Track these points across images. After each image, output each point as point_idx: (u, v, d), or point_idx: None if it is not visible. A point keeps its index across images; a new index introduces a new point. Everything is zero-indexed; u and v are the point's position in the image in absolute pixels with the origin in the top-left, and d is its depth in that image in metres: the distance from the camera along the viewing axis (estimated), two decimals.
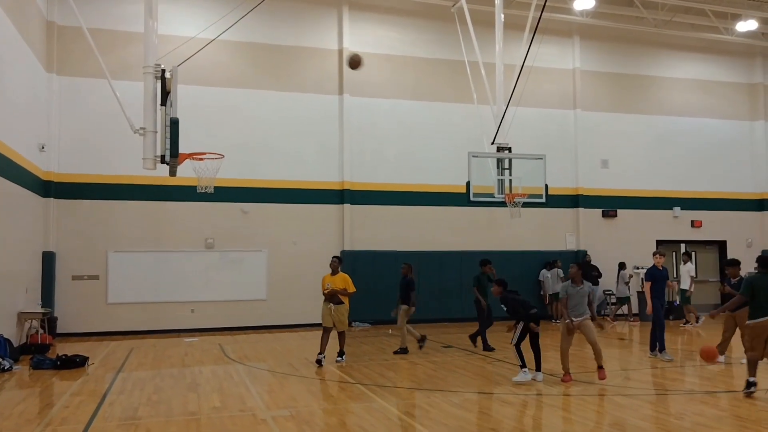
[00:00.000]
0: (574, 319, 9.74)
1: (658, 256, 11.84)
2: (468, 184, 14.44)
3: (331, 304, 11.20)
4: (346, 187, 17.77)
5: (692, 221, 21.00)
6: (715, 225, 21.11)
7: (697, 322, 17.17)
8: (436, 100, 18.67)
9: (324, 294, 11.31)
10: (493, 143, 14.91)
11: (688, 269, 16.92)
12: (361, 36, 18.25)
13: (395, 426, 7.22)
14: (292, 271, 17.15)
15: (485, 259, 13.74)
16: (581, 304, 9.75)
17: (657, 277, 11.68)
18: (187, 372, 10.87)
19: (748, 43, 21.37)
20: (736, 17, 20.11)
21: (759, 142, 21.95)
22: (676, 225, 20.83)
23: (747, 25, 20.17)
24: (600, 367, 9.61)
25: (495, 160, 14.92)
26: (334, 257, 11.74)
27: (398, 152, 18.25)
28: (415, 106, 18.53)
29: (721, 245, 21.34)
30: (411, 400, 8.59)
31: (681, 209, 20.82)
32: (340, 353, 11.48)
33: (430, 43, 18.78)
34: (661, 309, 11.71)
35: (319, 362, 11.08)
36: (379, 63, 18.39)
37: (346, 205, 17.73)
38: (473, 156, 14.67)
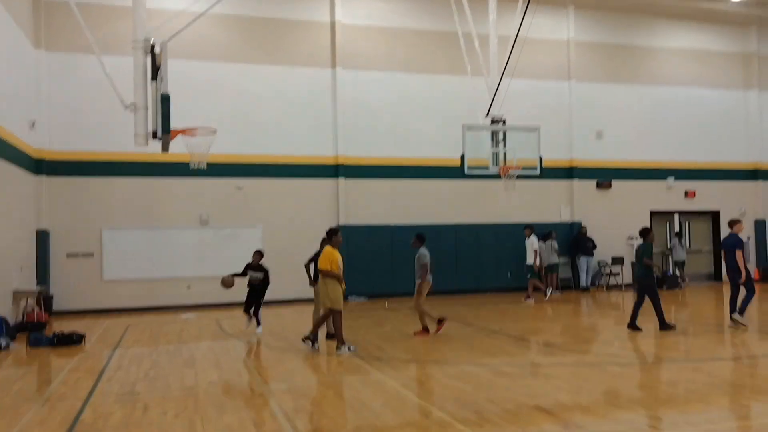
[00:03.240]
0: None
1: (739, 224, 11.80)
2: (462, 157, 14.41)
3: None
4: (340, 161, 17.70)
5: (686, 191, 21.03)
6: (708, 195, 21.17)
7: (545, 296, 16.95)
8: (430, 72, 18.52)
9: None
10: (487, 115, 14.85)
11: (531, 242, 16.46)
12: (353, 7, 18.03)
13: (392, 398, 7.28)
14: (287, 246, 17.12)
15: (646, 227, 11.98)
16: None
17: (742, 244, 11.71)
18: (184, 348, 10.91)
19: (743, 12, 21.21)
20: None
21: (752, 112, 21.91)
22: (670, 195, 20.87)
23: None
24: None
25: (489, 132, 14.88)
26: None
27: (392, 125, 18.16)
28: (409, 78, 18.39)
29: (715, 215, 21.40)
30: (407, 372, 8.66)
31: (675, 179, 20.83)
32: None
33: (423, 14, 18.57)
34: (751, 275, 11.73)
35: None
36: (371, 35, 18.21)
37: (341, 179, 17.69)
38: (467, 129, 14.62)
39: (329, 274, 9.69)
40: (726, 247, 11.63)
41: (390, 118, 18.15)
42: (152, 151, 11.22)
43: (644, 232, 11.62)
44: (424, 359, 9.25)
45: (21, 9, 14.27)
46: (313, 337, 10.14)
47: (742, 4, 20.75)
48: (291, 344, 10.86)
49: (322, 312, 10.35)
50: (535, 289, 16.89)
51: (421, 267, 11.25)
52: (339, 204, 17.67)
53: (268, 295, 16.94)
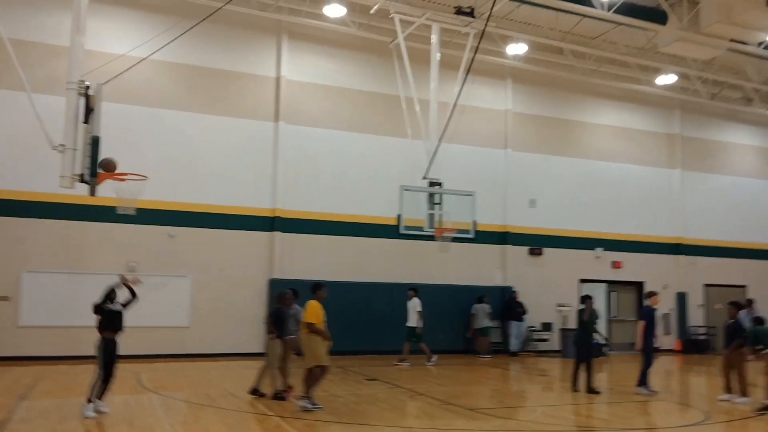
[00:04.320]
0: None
1: (654, 296, 12.44)
2: (399, 216, 14.58)
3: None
4: (277, 214, 17.60)
5: (613, 262, 21.76)
6: (634, 266, 21.95)
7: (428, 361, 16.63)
8: (372, 133, 18.84)
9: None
10: (425, 178, 15.16)
11: (414, 305, 16.53)
12: (299, 65, 18.30)
13: None
14: (217, 298, 16.75)
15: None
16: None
17: (652, 316, 12.18)
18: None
19: (667, 95, 22.61)
20: (658, 70, 21.28)
21: (675, 190, 23.09)
22: (598, 265, 21.55)
23: (666, 79, 21.40)
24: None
25: (426, 194, 15.16)
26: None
27: (331, 181, 18.26)
28: (351, 137, 18.64)
29: (640, 286, 22.15)
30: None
31: (603, 250, 21.56)
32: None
33: (367, 77, 19.01)
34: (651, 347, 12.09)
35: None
36: (316, 92, 18.48)
37: (277, 233, 17.54)
38: (405, 189, 14.87)
39: (316, 330, 9.39)
40: (638, 318, 12.43)
41: (330, 174, 18.26)
42: (80, 193, 10.87)
43: (586, 298, 12.59)
44: (347, 421, 9.05)
45: None
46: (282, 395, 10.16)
47: (666, 88, 22.12)
48: (212, 400, 10.47)
49: (303, 368, 9.64)
50: (412, 351, 16.49)
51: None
52: (274, 257, 17.47)
53: (196, 348, 16.50)
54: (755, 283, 23.46)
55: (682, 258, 22.87)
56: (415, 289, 16.75)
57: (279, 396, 10.46)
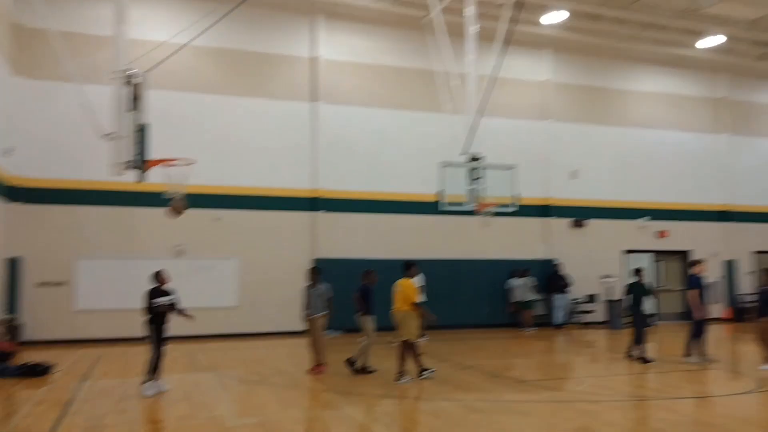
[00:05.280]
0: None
1: (699, 265, 12.57)
2: (439, 193, 14.55)
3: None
4: (318, 194, 17.78)
5: (658, 231, 21.37)
6: (680, 235, 21.52)
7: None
8: (409, 109, 18.80)
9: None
10: (464, 153, 15.06)
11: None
12: (335, 44, 18.32)
13: None
14: (263, 278, 17.08)
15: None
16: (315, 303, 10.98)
17: (699, 284, 12.23)
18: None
19: (714, 59, 21.91)
20: (700, 33, 20.60)
21: (722, 155, 22.47)
22: (643, 235, 21.20)
23: (710, 41, 20.70)
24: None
25: (466, 169, 15.07)
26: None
27: (370, 160, 18.32)
28: (388, 114, 18.64)
29: (686, 255, 21.69)
30: (380, 408, 8.61)
31: (648, 219, 21.19)
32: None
33: (403, 53, 18.92)
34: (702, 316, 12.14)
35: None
36: (352, 71, 18.48)
37: (319, 213, 17.73)
38: (444, 165, 14.81)
39: (416, 307, 10.18)
40: (686, 287, 12.30)
41: (369, 152, 18.32)
42: (129, 180, 11.19)
43: (637, 271, 12.82)
44: (398, 395, 9.21)
45: (0, 36, 14.27)
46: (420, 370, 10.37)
47: (710, 51, 21.43)
48: (264, 378, 10.75)
49: (398, 344, 10.42)
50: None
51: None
52: (316, 237, 17.68)
53: (245, 327, 16.90)
54: None
55: (730, 225, 22.32)
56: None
57: (366, 370, 10.88)
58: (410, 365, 10.28)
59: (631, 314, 12.55)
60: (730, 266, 22.18)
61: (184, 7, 16.66)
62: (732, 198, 22.37)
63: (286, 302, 16.88)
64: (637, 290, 12.50)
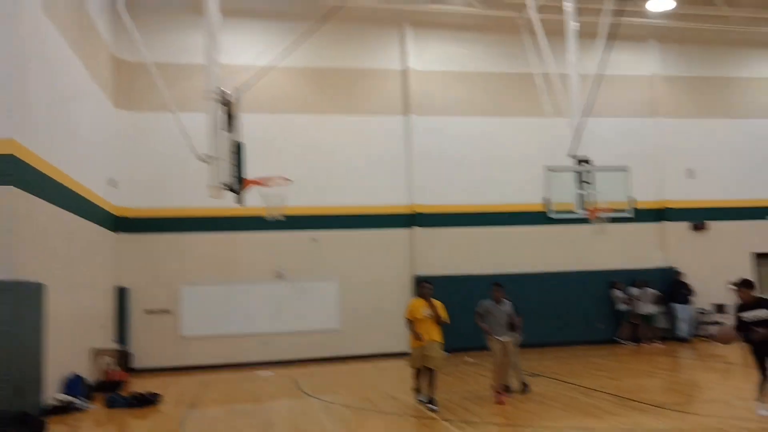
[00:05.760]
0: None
1: None
2: (546, 200, 13.62)
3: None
4: (415, 209, 17.19)
5: None
6: None
7: None
8: (506, 116, 17.91)
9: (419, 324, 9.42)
10: (570, 156, 14.07)
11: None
12: (425, 54, 17.79)
13: None
14: (364, 298, 16.63)
15: None
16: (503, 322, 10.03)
17: None
18: (260, 408, 10.42)
19: None
20: None
21: None
22: None
23: None
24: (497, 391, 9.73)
25: (574, 174, 14.07)
26: (425, 282, 10.08)
27: (468, 171, 17.54)
28: (484, 122, 17.84)
29: None
30: None
31: None
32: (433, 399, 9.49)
33: (497, 57, 18.12)
34: None
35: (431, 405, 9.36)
36: (444, 80, 17.87)
37: (416, 228, 17.13)
38: (550, 170, 13.89)
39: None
40: None
41: (467, 163, 17.56)
42: (227, 205, 11.00)
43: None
44: (519, 423, 8.35)
45: (101, 70, 14.67)
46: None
47: None
48: (374, 404, 10.17)
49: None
50: None
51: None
52: (415, 253, 17.07)
53: (347, 350, 16.48)
54: None
55: None
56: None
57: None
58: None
59: None
60: None
61: (273, 29, 16.63)
62: None
63: (387, 322, 16.35)
64: None
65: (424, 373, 9.56)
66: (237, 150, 8.65)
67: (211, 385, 13.09)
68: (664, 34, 18.97)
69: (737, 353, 15.40)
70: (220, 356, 15.77)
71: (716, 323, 17.97)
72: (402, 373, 13.88)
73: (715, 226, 18.70)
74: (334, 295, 16.60)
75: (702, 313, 18.12)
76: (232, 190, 8.84)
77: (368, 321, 16.56)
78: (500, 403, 9.48)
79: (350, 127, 17.22)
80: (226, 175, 8.84)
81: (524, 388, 10.49)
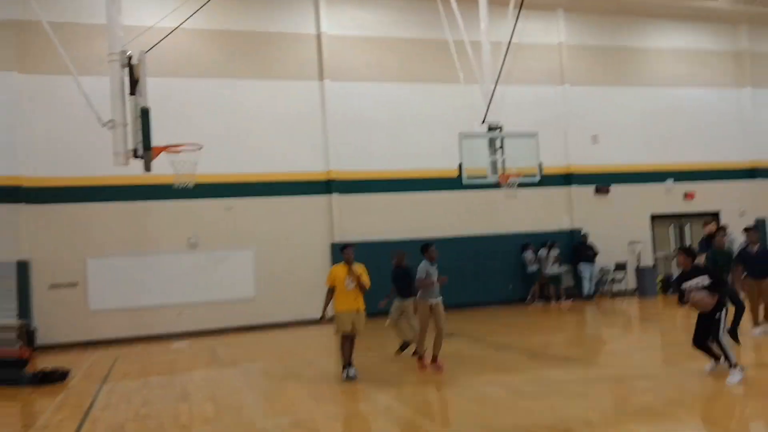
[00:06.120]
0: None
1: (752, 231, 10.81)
2: (460, 166, 13.86)
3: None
4: (332, 176, 17.11)
5: (685, 193, 20.59)
6: (707, 196, 20.73)
7: None
8: (422, 82, 18.01)
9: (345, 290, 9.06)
10: (483, 123, 14.35)
11: None
12: (339, 18, 17.54)
13: (409, 428, 6.65)
14: (281, 266, 16.49)
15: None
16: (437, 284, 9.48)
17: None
18: (176, 380, 10.22)
19: (733, 9, 20.93)
20: None
21: (746, 110, 21.57)
22: (669, 198, 20.42)
23: None
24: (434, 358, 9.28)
25: (487, 140, 14.36)
26: (348, 246, 9.58)
27: (385, 137, 17.59)
28: (400, 88, 17.87)
29: (715, 216, 20.93)
30: (420, 397, 8.03)
31: (673, 181, 20.39)
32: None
33: (411, 23, 18.11)
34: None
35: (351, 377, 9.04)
36: (359, 45, 17.72)
37: (334, 195, 17.09)
38: (464, 137, 14.10)
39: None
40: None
41: (383, 129, 17.60)
42: (135, 173, 10.53)
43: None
44: (436, 381, 8.61)
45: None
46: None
47: (731, 2, 20.46)
48: (291, 371, 10.18)
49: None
50: None
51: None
52: (333, 220, 17.06)
53: (264, 318, 16.34)
54: None
55: (758, 182, 21.47)
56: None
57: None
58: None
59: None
60: (761, 226, 21.35)
61: None
62: (760, 153, 21.47)
63: (306, 289, 16.34)
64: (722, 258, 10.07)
65: (348, 338, 9.23)
66: (143, 115, 8.27)
67: (123, 358, 12.70)
68: (571, 4, 19.52)
69: (635, 309, 16.49)
70: (133, 329, 15.30)
71: (618, 280, 19.10)
72: (321, 339, 14.01)
73: (616, 189, 19.70)
74: (251, 263, 16.38)
75: (605, 271, 19.15)
76: (139, 157, 8.47)
77: (286, 289, 16.47)
78: (424, 368, 9.27)
79: (264, 92, 16.83)
80: (132, 141, 8.46)
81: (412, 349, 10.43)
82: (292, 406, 7.88)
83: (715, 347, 7.66)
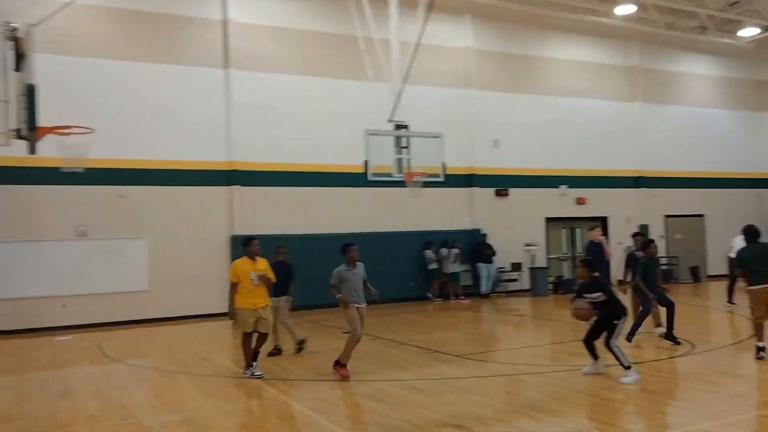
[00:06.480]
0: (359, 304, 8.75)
1: (596, 230, 11.36)
2: (366, 163, 13.89)
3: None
4: (234, 167, 16.68)
5: (577, 199, 21.64)
6: (598, 202, 21.89)
7: None
8: (330, 76, 17.88)
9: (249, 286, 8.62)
10: (390, 121, 14.46)
11: None
12: (247, 6, 17.10)
13: (302, 424, 6.58)
14: (177, 258, 15.89)
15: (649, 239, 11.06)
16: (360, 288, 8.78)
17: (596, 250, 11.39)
18: (58, 376, 9.64)
19: (626, 27, 22.17)
20: (616, 1, 20.70)
21: (636, 123, 22.94)
22: (563, 202, 21.39)
23: (625, 9, 20.83)
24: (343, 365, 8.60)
25: (393, 138, 14.48)
26: (253, 239, 9.14)
27: (291, 130, 17.33)
28: (308, 82, 17.66)
29: (604, 221, 22.13)
30: (315, 393, 7.96)
31: (567, 187, 21.38)
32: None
33: (322, 17, 17.94)
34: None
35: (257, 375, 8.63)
36: (266, 35, 17.36)
37: (236, 187, 16.67)
38: (370, 134, 14.14)
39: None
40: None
41: (289, 122, 17.33)
42: (18, 155, 9.81)
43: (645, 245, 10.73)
44: (331, 378, 8.56)
45: None
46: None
47: (624, 19, 21.64)
48: (185, 366, 9.84)
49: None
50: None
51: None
52: (234, 213, 16.64)
53: (157, 312, 15.71)
54: (712, 211, 23.89)
55: (643, 191, 22.92)
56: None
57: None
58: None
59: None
60: (644, 231, 22.77)
61: None
62: (644, 164, 22.93)
63: (203, 282, 15.88)
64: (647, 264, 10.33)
65: (252, 336, 8.74)
66: (29, 93, 7.69)
67: (0, 352, 11.84)
68: (479, 10, 20.00)
69: (529, 307, 17.16)
70: (11, 322, 14.23)
71: (513, 280, 19.82)
72: (216, 334, 13.65)
73: (515, 192, 20.43)
74: (145, 254, 15.68)
75: (502, 271, 19.81)
76: (23, 137, 7.88)
77: (181, 282, 15.90)
78: (345, 377, 8.42)
79: (165, 77, 16.15)
80: (15, 120, 7.85)
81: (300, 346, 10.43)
82: (182, 403, 7.61)
83: (607, 351, 8.01)
